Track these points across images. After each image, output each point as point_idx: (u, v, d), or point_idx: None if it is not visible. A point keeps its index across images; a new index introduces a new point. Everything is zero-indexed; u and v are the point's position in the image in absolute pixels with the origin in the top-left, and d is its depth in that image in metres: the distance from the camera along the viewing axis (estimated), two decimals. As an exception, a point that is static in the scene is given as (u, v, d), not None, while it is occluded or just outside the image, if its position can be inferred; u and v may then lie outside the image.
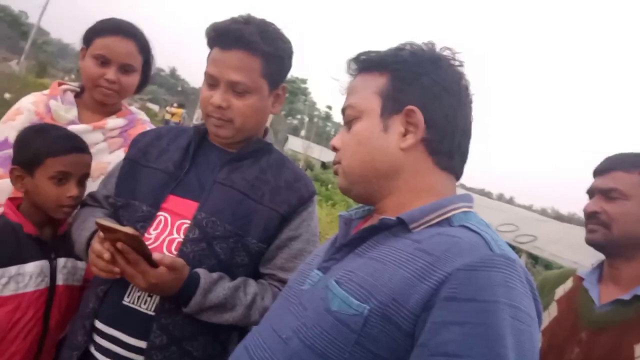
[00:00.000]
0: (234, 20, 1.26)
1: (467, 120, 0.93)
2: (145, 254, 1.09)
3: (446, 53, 0.92)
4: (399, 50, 0.93)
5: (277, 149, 1.44)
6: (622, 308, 1.24)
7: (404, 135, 0.89)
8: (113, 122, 1.70)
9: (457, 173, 0.94)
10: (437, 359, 0.68)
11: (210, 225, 1.23)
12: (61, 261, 1.41)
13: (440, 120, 0.89)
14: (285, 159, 1.42)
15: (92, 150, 1.63)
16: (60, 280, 1.40)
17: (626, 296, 1.24)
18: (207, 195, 1.26)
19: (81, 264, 1.48)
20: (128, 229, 1.05)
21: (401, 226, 0.86)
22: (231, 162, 1.32)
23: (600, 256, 1.38)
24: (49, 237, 1.42)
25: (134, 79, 1.68)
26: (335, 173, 1.00)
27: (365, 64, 0.95)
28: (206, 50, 1.32)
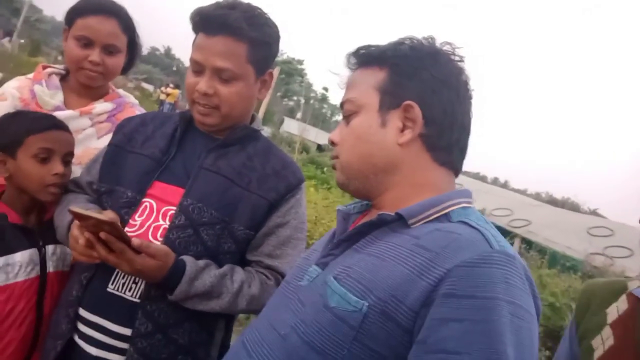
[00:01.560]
0: (218, 5, 1.23)
1: (466, 115, 0.92)
2: (124, 239, 1.08)
3: (446, 48, 0.92)
4: (398, 44, 0.92)
5: (264, 136, 1.43)
6: None
7: (402, 130, 0.89)
8: (100, 106, 1.65)
9: (456, 168, 0.94)
10: (436, 356, 0.69)
11: (197, 212, 1.22)
12: (50, 248, 1.39)
13: (438, 115, 0.89)
14: (273, 145, 1.41)
15: (80, 136, 1.60)
16: (50, 268, 1.39)
17: None
18: (193, 182, 1.25)
19: (70, 249, 1.46)
20: (101, 216, 1.04)
21: (400, 222, 0.85)
22: (217, 148, 1.31)
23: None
24: (35, 224, 1.40)
25: (119, 60, 1.63)
26: (334, 167, 0.99)
27: (365, 58, 0.95)
28: None
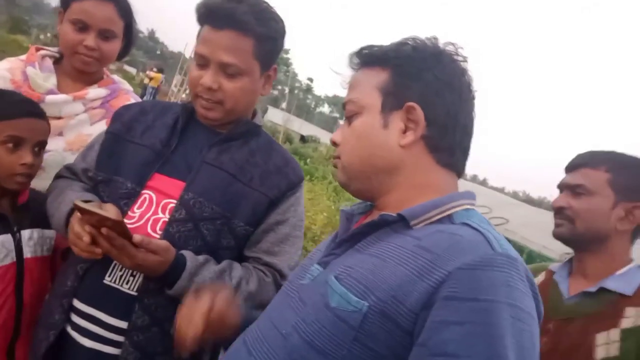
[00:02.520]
0: None
1: (468, 116, 0.92)
2: (127, 236, 1.07)
3: (449, 48, 0.91)
4: (401, 45, 0.91)
5: (265, 131, 1.42)
6: (588, 300, 1.29)
7: (404, 132, 0.89)
8: (94, 92, 1.62)
9: (459, 170, 0.94)
10: (437, 358, 0.69)
11: (198, 206, 1.21)
12: (26, 233, 1.35)
13: (441, 117, 0.88)
14: (274, 142, 1.40)
15: (72, 121, 1.58)
16: (28, 253, 1.34)
17: (592, 288, 1.29)
18: (194, 175, 1.24)
19: (49, 233, 1.42)
20: (106, 213, 1.02)
21: (402, 222, 0.85)
22: (220, 142, 1.29)
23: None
24: (8, 209, 1.35)
25: (115, 45, 1.59)
26: (335, 167, 0.99)
27: (367, 58, 0.94)
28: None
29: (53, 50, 1.67)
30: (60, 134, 1.57)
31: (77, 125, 1.58)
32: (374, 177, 0.91)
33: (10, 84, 1.52)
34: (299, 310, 0.86)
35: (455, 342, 0.68)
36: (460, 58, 0.91)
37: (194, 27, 1.29)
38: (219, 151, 1.28)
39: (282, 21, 1.29)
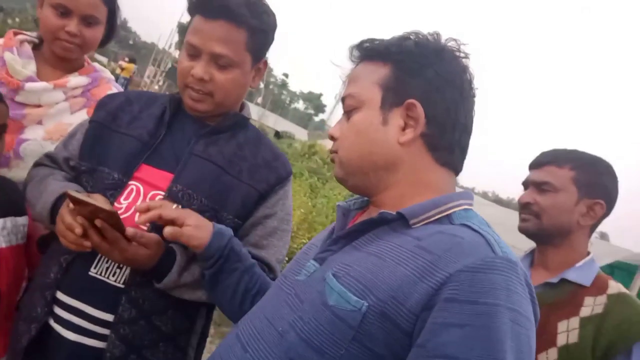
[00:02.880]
0: None
1: (468, 114, 0.91)
2: (120, 229, 1.05)
3: (451, 44, 0.90)
4: (403, 39, 0.90)
5: (252, 125, 1.41)
6: (550, 290, 1.37)
7: (404, 129, 0.88)
8: (75, 80, 1.57)
9: (457, 168, 0.93)
10: None
11: (186, 198, 1.20)
12: None
13: (441, 114, 0.87)
14: (262, 135, 1.40)
15: (52, 110, 1.54)
16: (2, 243, 1.29)
17: (554, 279, 1.38)
18: (183, 167, 1.22)
19: (22, 220, 1.36)
20: (105, 205, 1.00)
21: (401, 221, 0.84)
22: (208, 134, 1.28)
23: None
24: None
25: (97, 32, 1.54)
26: (332, 161, 0.98)
27: (368, 52, 0.93)
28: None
29: (32, 35, 1.61)
30: (40, 122, 1.52)
31: (57, 114, 1.53)
32: (371, 174, 0.90)
33: None
34: (295, 308, 0.85)
35: (454, 345, 0.68)
36: (462, 55, 0.90)
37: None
38: (207, 143, 1.27)
39: (273, 14, 1.29)
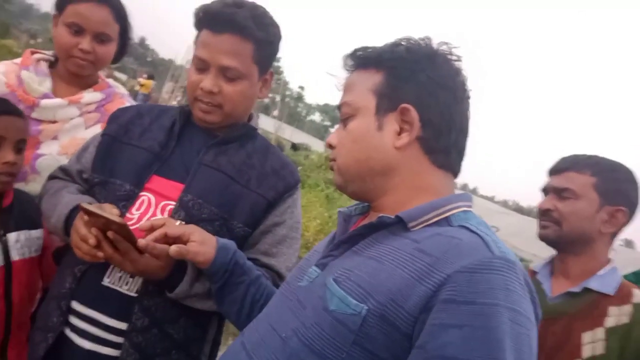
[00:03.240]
0: (225, 4, 1.23)
1: (463, 116, 0.92)
2: (131, 240, 1.07)
3: (443, 48, 0.91)
4: (395, 46, 0.91)
5: (261, 135, 1.43)
6: (572, 300, 1.34)
7: (399, 133, 0.88)
8: (89, 96, 1.62)
9: (455, 170, 0.94)
10: None
11: (197, 208, 1.21)
12: (12, 236, 1.33)
13: (435, 117, 0.88)
14: (270, 145, 1.41)
15: (67, 125, 1.59)
16: (15, 256, 1.33)
17: (576, 289, 1.34)
18: (192, 177, 1.24)
19: (36, 233, 1.40)
20: (116, 218, 1.02)
21: (400, 225, 0.85)
22: (217, 145, 1.30)
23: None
24: None
25: (110, 49, 1.60)
26: (331, 169, 0.99)
27: (361, 60, 0.94)
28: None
29: (48, 54, 1.67)
30: (55, 137, 1.57)
31: (72, 129, 1.58)
32: (370, 180, 0.91)
33: (5, 88, 1.52)
34: (298, 313, 0.86)
35: (454, 346, 0.68)
36: (454, 58, 0.91)
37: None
38: (216, 153, 1.29)
39: (278, 26, 1.31)
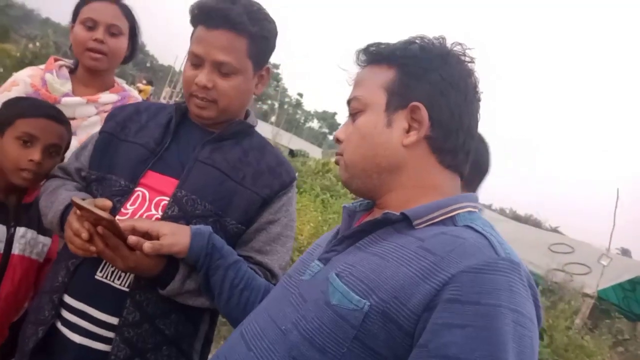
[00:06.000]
0: (220, 0, 1.23)
1: (473, 118, 0.92)
2: (122, 237, 1.07)
3: (457, 49, 0.91)
4: (408, 44, 0.91)
5: (258, 132, 1.43)
6: None
7: (408, 131, 0.89)
8: (106, 96, 1.74)
9: (461, 171, 0.93)
10: None
11: (190, 204, 1.21)
12: (20, 230, 1.38)
13: (445, 118, 0.88)
14: (267, 142, 1.41)
15: (85, 122, 1.71)
16: (16, 250, 1.37)
17: None
18: (187, 173, 1.25)
19: (43, 239, 1.44)
20: (104, 214, 1.02)
21: (405, 222, 0.85)
22: (213, 141, 1.31)
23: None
24: (13, 204, 1.39)
25: (121, 42, 1.71)
26: (337, 163, 0.99)
27: (374, 56, 0.94)
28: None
29: (69, 61, 1.82)
30: (74, 133, 1.65)
31: (89, 127, 1.69)
32: (376, 176, 0.91)
33: (30, 88, 1.67)
34: (299, 307, 0.85)
35: (456, 345, 0.68)
36: (467, 59, 0.91)
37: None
38: (211, 149, 1.29)
39: (274, 22, 1.32)
